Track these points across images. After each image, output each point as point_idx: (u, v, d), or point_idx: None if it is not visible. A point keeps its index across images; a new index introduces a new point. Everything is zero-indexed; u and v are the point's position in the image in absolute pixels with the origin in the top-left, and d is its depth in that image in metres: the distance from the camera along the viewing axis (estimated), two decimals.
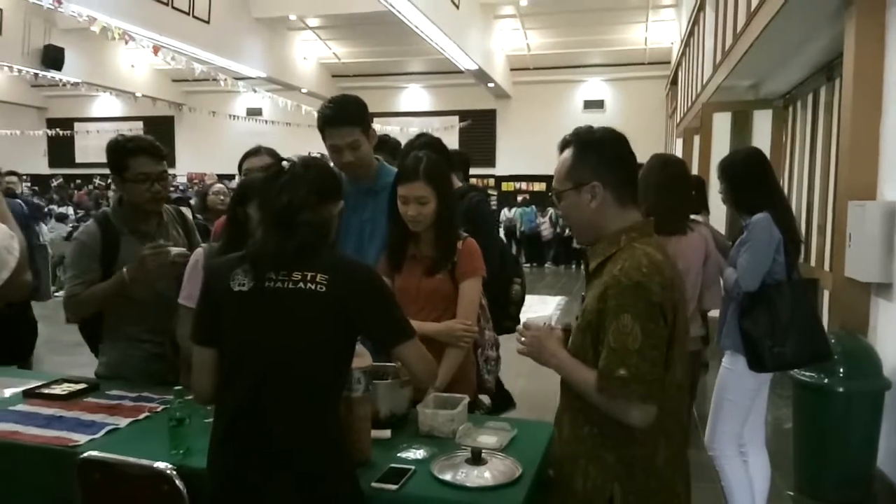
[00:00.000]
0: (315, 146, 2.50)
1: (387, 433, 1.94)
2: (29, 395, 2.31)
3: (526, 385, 4.66)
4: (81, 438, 1.92)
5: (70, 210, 13.12)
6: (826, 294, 4.99)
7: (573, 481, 1.64)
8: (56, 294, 6.50)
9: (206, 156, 17.87)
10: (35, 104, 19.41)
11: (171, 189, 8.43)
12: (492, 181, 16.89)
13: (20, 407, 2.20)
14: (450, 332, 2.23)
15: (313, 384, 1.58)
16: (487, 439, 1.88)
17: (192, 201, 6.81)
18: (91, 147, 18.32)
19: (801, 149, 6.85)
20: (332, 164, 2.26)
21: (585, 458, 1.62)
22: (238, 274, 1.59)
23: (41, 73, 12.55)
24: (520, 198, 16.69)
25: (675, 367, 1.56)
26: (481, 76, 13.90)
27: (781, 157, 7.25)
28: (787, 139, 7.34)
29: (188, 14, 10.70)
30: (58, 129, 18.20)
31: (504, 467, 1.71)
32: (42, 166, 19.74)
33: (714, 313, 3.46)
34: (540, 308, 8.65)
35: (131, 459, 1.74)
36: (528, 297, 3.41)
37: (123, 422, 2.06)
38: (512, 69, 16.27)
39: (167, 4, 10.18)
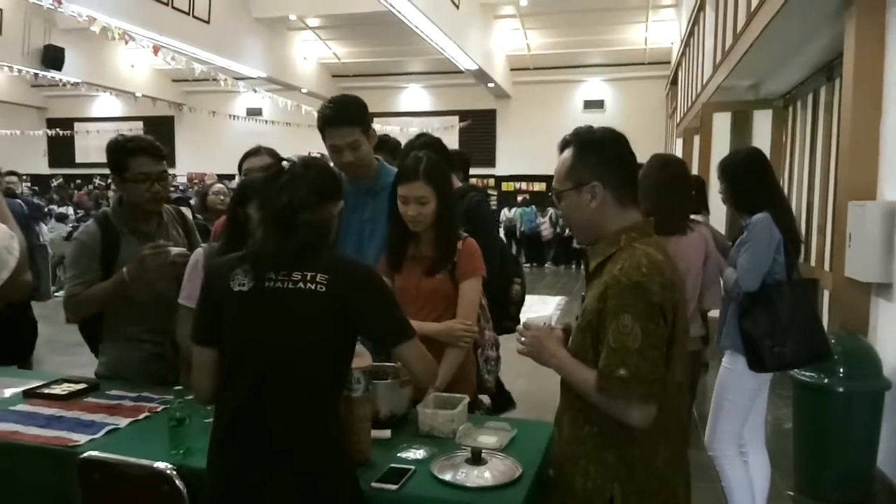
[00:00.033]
0: (315, 146, 2.50)
1: (387, 433, 1.94)
2: (29, 395, 2.31)
3: (526, 385, 4.66)
4: (81, 438, 1.92)
5: (70, 210, 13.12)
6: (826, 294, 4.99)
7: (573, 481, 1.64)
8: (56, 294, 6.50)
9: (206, 156, 17.87)
10: (35, 104, 19.42)
11: (171, 189, 8.43)
12: (492, 181, 16.89)
13: (20, 407, 2.20)
14: (450, 332, 2.24)
15: (313, 384, 1.58)
16: (487, 439, 1.88)
17: (192, 201, 6.82)
18: (91, 147, 18.35)
19: (801, 149, 6.85)
20: (331, 165, 2.26)
21: (585, 459, 1.62)
22: (238, 274, 1.59)
23: (41, 73, 12.55)
24: (520, 198, 16.69)
25: (674, 367, 1.56)
26: (481, 76, 13.90)
27: (781, 157, 7.25)
28: (787, 139, 7.34)
29: (188, 14, 10.70)
30: (58, 129, 18.20)
31: (504, 467, 1.71)
32: (42, 166, 19.74)
33: (714, 313, 3.46)
34: (540, 308, 8.65)
35: (131, 459, 1.74)
36: (528, 297, 3.42)
37: (123, 422, 2.06)
38: (512, 69, 16.27)
39: (167, 4, 10.18)
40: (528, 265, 14.85)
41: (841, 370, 3.37)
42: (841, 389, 3.36)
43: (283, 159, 1.73)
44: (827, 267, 5.34)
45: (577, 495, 1.63)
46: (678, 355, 1.57)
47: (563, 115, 15.49)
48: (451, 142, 13.87)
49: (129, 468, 1.73)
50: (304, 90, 15.52)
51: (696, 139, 8.09)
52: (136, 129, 16.72)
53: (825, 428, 3.44)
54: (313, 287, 1.55)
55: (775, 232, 2.78)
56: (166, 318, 2.38)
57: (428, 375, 1.80)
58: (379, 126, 2.83)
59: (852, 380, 3.36)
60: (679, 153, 10.11)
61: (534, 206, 15.83)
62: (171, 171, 2.72)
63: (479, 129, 16.87)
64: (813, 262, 5.95)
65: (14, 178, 7.86)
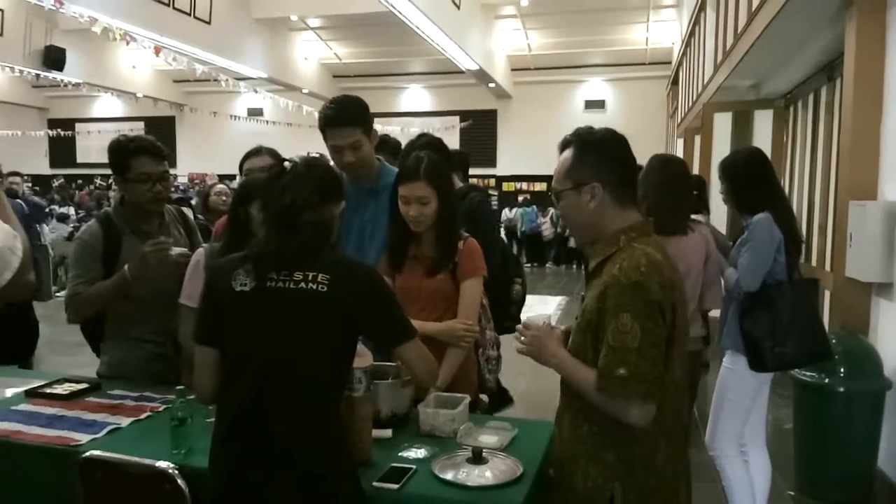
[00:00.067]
0: (316, 146, 2.50)
1: (388, 433, 1.94)
2: (31, 394, 2.31)
3: (526, 385, 4.66)
4: (83, 438, 1.93)
5: (71, 210, 13.12)
6: (827, 294, 4.99)
7: (574, 481, 1.64)
8: (57, 294, 6.51)
9: (207, 156, 17.88)
10: (36, 105, 19.44)
11: (172, 189, 8.45)
12: (493, 181, 16.90)
13: (22, 406, 2.21)
14: (451, 331, 2.24)
15: (315, 384, 1.58)
16: (488, 439, 1.89)
17: (194, 201, 6.83)
18: (92, 147, 18.36)
19: (801, 149, 6.85)
20: (332, 165, 2.26)
21: (585, 458, 1.63)
22: (240, 274, 1.60)
23: (42, 73, 12.56)
24: (521, 198, 16.69)
25: (674, 366, 1.57)
26: (482, 76, 13.90)
27: (782, 157, 7.25)
28: (788, 139, 7.34)
29: (189, 15, 10.71)
30: (59, 130, 18.20)
31: (505, 467, 1.72)
32: (43, 167, 19.74)
33: (715, 313, 3.46)
34: (541, 308, 8.65)
35: (133, 459, 1.75)
36: (528, 297, 3.42)
37: (125, 421, 2.07)
38: (513, 69, 16.27)
39: (168, 5, 10.19)
40: (528, 265, 14.85)
41: (842, 370, 3.37)
42: (842, 389, 3.37)
43: (284, 160, 1.73)
44: (828, 267, 5.34)
45: (578, 494, 1.63)
46: (677, 354, 1.58)
47: (564, 116, 15.49)
48: (452, 142, 13.85)
49: (130, 467, 1.74)
50: (305, 90, 15.53)
51: (697, 139, 8.09)
52: (138, 129, 16.72)
53: (826, 428, 3.44)
54: (315, 287, 1.55)
55: (776, 232, 2.78)
56: (168, 318, 2.38)
57: (429, 375, 1.80)
58: (380, 126, 2.83)
59: (853, 380, 3.37)
60: (680, 153, 10.10)
61: (535, 207, 15.83)
62: (172, 172, 2.72)
63: (480, 130, 16.87)
64: (814, 262, 5.95)
65: (17, 179, 7.88)
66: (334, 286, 1.56)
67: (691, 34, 9.61)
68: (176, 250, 2.41)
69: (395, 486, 1.64)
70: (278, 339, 1.57)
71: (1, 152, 14.01)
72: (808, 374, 3.45)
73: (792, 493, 3.59)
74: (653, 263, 1.54)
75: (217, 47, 11.59)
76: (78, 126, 18.95)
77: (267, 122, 16.13)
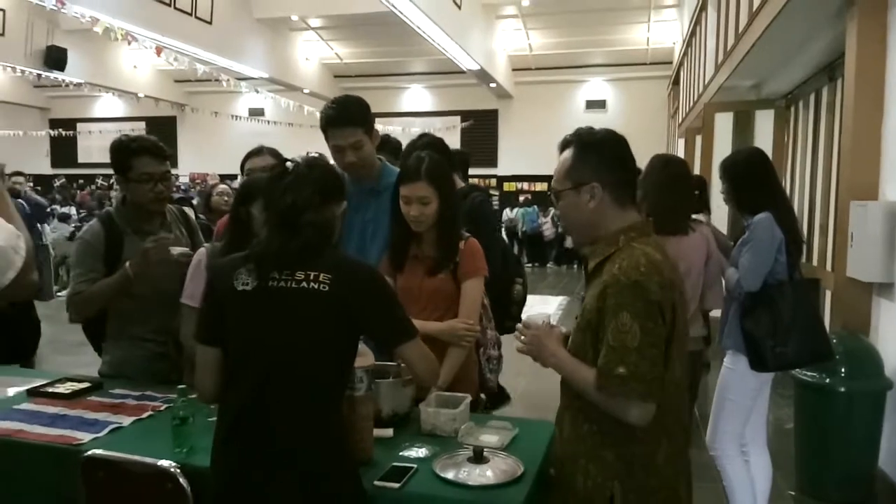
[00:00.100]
0: (317, 146, 2.50)
1: (389, 432, 1.95)
2: (33, 393, 2.32)
3: (527, 384, 4.67)
4: (85, 437, 1.94)
5: (73, 210, 13.14)
6: (828, 294, 4.99)
7: (574, 480, 1.64)
8: (59, 294, 6.51)
9: (208, 156, 17.88)
10: (38, 105, 19.45)
11: (174, 189, 8.45)
12: (493, 181, 16.90)
13: (24, 406, 2.21)
14: (452, 331, 2.24)
15: (316, 383, 1.59)
16: (489, 438, 1.89)
17: (195, 201, 6.83)
18: (94, 147, 18.39)
19: (802, 149, 6.85)
20: (334, 165, 2.26)
21: (586, 457, 1.63)
22: (241, 273, 1.60)
23: (44, 73, 12.57)
24: (522, 198, 16.68)
25: (674, 366, 1.57)
26: (483, 76, 13.90)
27: (783, 157, 7.25)
28: (789, 139, 7.34)
29: (190, 15, 10.72)
30: (60, 130, 18.23)
31: (506, 466, 1.72)
32: (45, 166, 19.76)
33: (716, 313, 3.47)
34: (542, 308, 8.64)
35: (135, 458, 1.75)
36: (529, 297, 3.41)
37: (127, 420, 2.07)
38: (514, 69, 16.27)
39: (169, 5, 10.20)
40: (529, 265, 14.85)
41: (842, 370, 3.37)
42: (842, 389, 3.37)
43: (285, 160, 1.73)
44: (829, 267, 5.34)
45: (578, 494, 1.63)
46: (677, 354, 1.58)
47: (565, 116, 15.49)
48: (453, 142, 13.82)
49: (132, 466, 1.74)
50: (306, 90, 15.53)
51: (698, 139, 8.09)
52: (139, 129, 16.75)
53: (827, 428, 3.44)
54: (316, 287, 1.56)
55: (777, 232, 2.78)
56: (169, 318, 2.39)
57: (430, 375, 1.80)
58: (381, 126, 2.83)
59: (854, 380, 3.37)
60: (681, 153, 10.10)
61: (535, 207, 15.82)
62: (173, 172, 2.72)
63: (481, 130, 16.87)
64: (815, 262, 5.95)
65: (20, 179, 7.89)
66: (336, 286, 1.56)
67: (692, 34, 9.61)
68: (177, 250, 2.41)
69: (397, 486, 1.65)
70: (280, 338, 1.57)
71: (2, 152, 14.06)
72: (808, 374, 3.45)
73: (793, 492, 3.59)
74: (652, 263, 1.55)
75: (218, 47, 11.60)
76: (79, 126, 18.99)
77: (268, 122, 16.14)
